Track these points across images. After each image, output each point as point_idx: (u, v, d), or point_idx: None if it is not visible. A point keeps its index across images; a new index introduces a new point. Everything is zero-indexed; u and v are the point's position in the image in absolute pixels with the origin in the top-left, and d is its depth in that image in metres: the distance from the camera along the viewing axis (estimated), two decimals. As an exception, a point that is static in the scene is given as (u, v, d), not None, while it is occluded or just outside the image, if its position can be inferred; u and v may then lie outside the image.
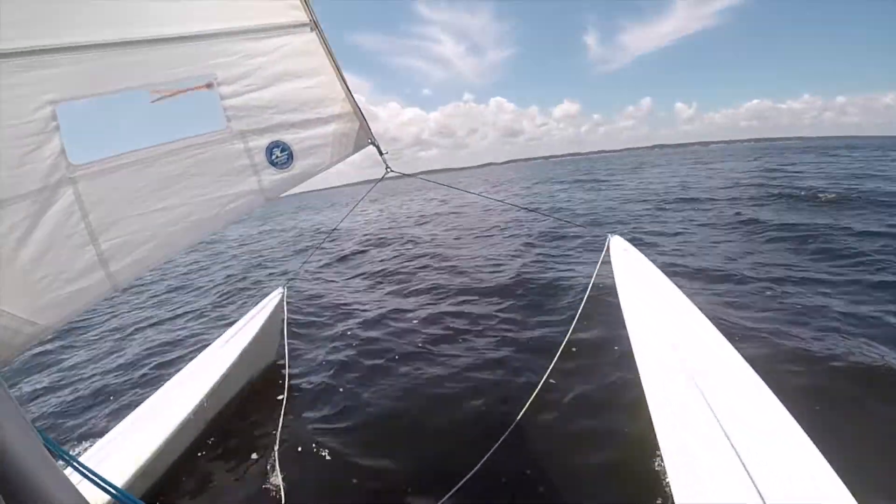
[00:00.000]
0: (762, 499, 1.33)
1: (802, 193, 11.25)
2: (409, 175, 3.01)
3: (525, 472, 2.60)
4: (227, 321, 6.27)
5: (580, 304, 3.35)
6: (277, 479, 2.72)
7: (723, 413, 1.72)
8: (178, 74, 1.97)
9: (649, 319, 2.47)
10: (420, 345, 4.57)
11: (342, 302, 6.63)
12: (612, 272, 3.06)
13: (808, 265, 5.83)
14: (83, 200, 1.80)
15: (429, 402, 3.50)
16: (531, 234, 10.16)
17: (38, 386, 5.06)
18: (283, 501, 2.55)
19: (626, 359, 2.23)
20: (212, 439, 3.14)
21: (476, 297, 5.97)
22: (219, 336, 3.80)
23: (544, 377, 3.01)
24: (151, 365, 5.11)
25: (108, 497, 1.56)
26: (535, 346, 4.22)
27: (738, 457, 1.50)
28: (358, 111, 2.27)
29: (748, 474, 1.42)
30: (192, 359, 3.56)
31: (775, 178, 16.22)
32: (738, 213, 9.71)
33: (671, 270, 4.83)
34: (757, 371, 1.91)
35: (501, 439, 2.65)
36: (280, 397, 3.58)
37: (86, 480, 1.48)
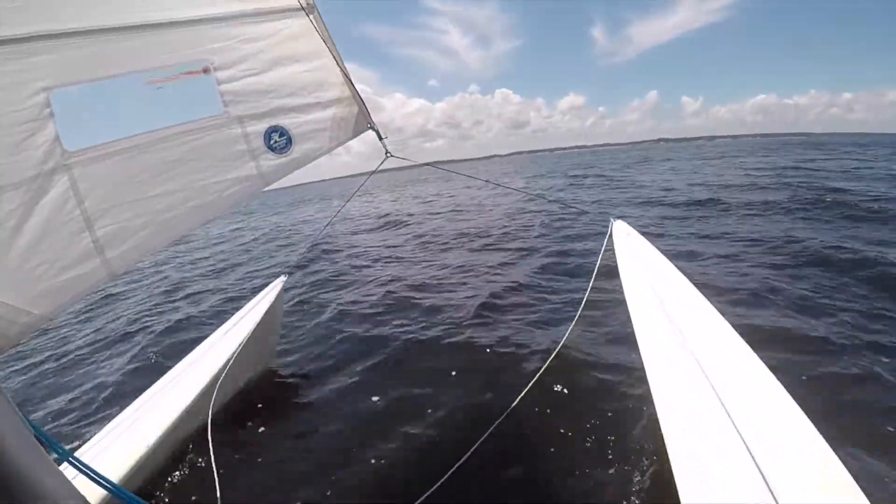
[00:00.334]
0: (774, 498, 1.27)
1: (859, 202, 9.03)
2: (408, 162, 2.95)
3: (517, 465, 2.58)
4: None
5: (585, 289, 3.31)
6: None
7: (731, 405, 1.65)
8: (175, 59, 1.93)
9: (653, 305, 2.42)
10: (419, 334, 4.55)
11: (343, 286, 6.64)
12: (615, 258, 3.02)
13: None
14: (78, 187, 1.77)
15: (428, 387, 3.49)
16: (535, 223, 10.17)
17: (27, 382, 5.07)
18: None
19: (631, 346, 2.18)
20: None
21: (480, 286, 5.95)
22: (219, 326, 3.77)
23: (543, 367, 2.98)
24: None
25: (103, 492, 1.54)
26: (540, 332, 4.21)
27: (749, 451, 1.43)
28: (356, 95, 2.23)
29: (759, 471, 1.36)
30: (191, 350, 3.54)
31: (802, 177, 14.15)
32: (789, 237, 6.95)
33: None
34: (764, 360, 1.86)
35: (491, 428, 2.58)
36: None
37: (81, 475, 1.46)
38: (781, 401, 1.64)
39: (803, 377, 3.14)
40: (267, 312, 3.61)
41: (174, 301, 7.77)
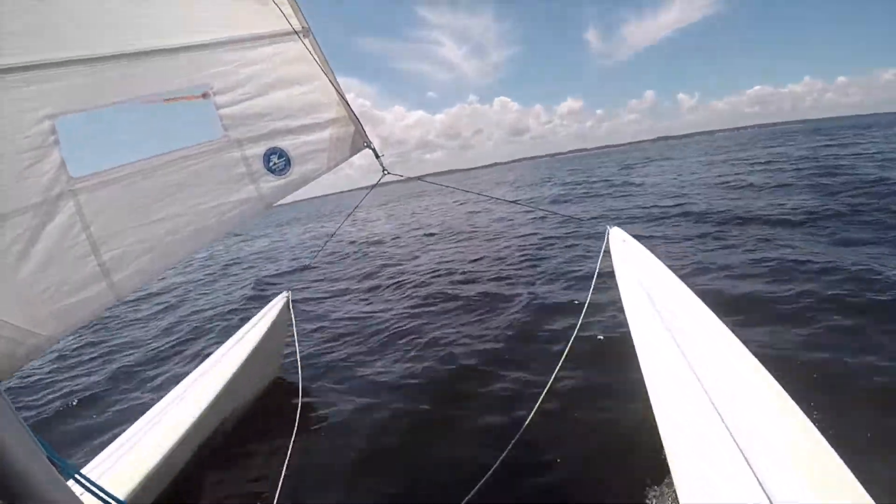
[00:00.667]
0: (769, 499, 1.28)
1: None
2: (404, 176, 2.98)
3: (535, 473, 2.60)
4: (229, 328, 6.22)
5: (585, 299, 3.33)
6: (288, 488, 2.69)
7: (726, 409, 1.66)
8: (175, 85, 1.99)
9: (650, 311, 2.44)
10: (424, 347, 4.57)
11: (348, 302, 6.65)
12: (612, 264, 3.04)
13: None
14: (84, 212, 1.82)
15: (437, 403, 3.49)
16: (533, 233, 10.13)
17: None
18: None
19: (630, 353, 2.20)
20: (217, 449, 3.12)
21: (482, 297, 5.97)
22: (223, 343, 3.78)
23: (551, 379, 2.99)
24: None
25: None
26: (543, 343, 4.22)
27: (742, 454, 1.44)
28: (352, 115, 2.28)
29: (754, 474, 1.37)
30: (196, 367, 3.56)
31: (830, 170, 12.17)
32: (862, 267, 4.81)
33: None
34: (764, 364, 1.87)
35: (512, 443, 2.63)
36: (291, 402, 3.57)
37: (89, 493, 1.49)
38: (784, 405, 1.64)
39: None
40: (270, 328, 3.63)
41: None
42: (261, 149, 2.13)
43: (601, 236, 3.49)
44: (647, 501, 2.23)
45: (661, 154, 45.38)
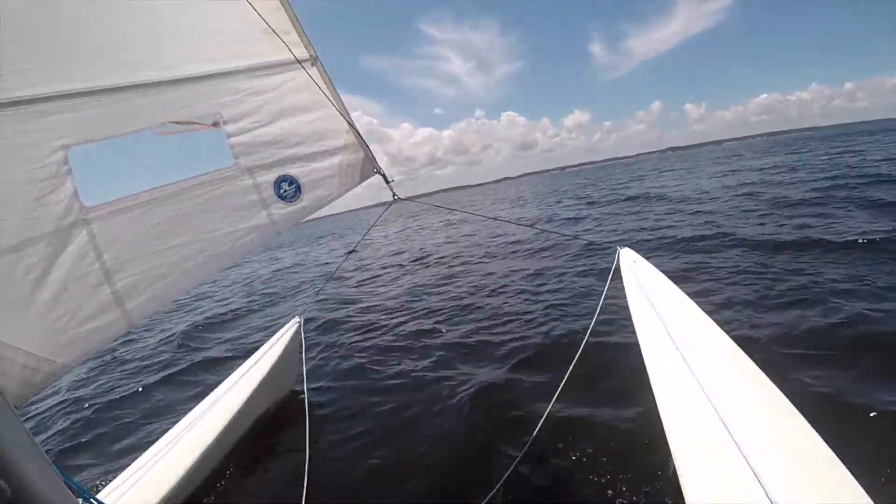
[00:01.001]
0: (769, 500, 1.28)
1: None
2: (417, 199, 3.01)
3: (543, 482, 2.58)
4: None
5: (592, 318, 3.29)
6: None
7: (736, 428, 1.64)
8: (186, 115, 2.02)
9: (660, 331, 2.41)
10: (435, 363, 4.54)
11: (359, 325, 6.64)
12: (623, 285, 3.01)
13: None
14: (97, 241, 1.84)
15: (448, 419, 3.46)
16: (541, 251, 10.06)
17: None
18: None
19: (639, 372, 2.17)
20: (231, 473, 3.12)
21: (493, 317, 5.92)
22: (236, 368, 3.78)
23: (555, 395, 2.96)
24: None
25: None
26: (549, 360, 4.18)
27: (752, 470, 1.44)
28: (362, 142, 2.30)
29: (758, 479, 1.38)
30: (208, 392, 3.56)
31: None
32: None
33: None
34: (780, 388, 1.82)
35: (521, 454, 2.62)
36: (301, 426, 3.55)
37: None
38: (793, 423, 1.61)
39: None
40: (283, 353, 3.63)
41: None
42: (271, 176, 2.15)
43: (611, 256, 3.46)
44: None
45: (671, 165, 45.07)
